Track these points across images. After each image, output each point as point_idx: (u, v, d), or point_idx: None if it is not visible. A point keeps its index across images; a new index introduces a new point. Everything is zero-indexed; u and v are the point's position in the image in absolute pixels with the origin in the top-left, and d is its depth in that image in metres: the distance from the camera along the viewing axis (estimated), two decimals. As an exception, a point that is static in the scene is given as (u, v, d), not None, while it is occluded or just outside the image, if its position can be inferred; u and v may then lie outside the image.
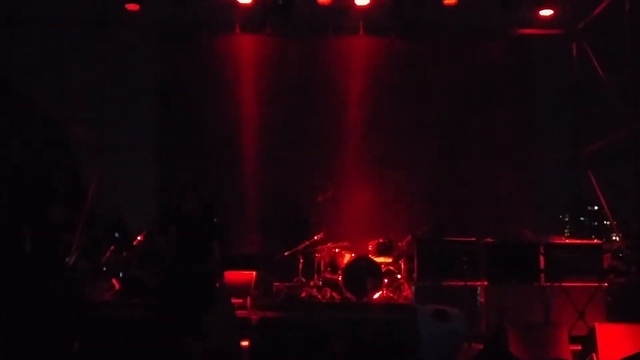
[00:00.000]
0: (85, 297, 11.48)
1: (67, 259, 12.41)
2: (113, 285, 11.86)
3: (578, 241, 11.75)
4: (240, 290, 11.44)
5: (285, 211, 14.23)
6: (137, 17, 14.46)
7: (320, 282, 12.52)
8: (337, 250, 12.85)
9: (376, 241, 13.13)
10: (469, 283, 10.19)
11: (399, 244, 13.01)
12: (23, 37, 14.48)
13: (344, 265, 12.40)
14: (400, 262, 12.75)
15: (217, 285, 9.82)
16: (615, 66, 14.55)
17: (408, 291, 12.00)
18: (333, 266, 12.77)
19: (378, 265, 12.30)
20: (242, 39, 15.14)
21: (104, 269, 12.60)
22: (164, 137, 15.11)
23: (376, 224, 14.15)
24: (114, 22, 14.89)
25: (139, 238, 12.43)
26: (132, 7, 13.93)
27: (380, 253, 12.94)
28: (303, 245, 12.80)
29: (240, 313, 10.55)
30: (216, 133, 14.93)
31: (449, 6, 13.80)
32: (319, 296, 12.28)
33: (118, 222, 14.98)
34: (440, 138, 14.89)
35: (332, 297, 12.32)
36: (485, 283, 10.37)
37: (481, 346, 9.28)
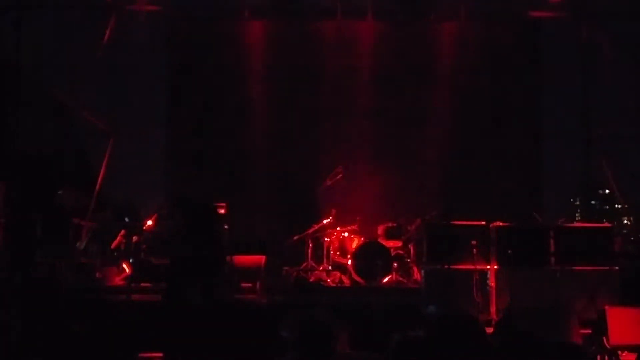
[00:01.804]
0: (96, 281, 11.57)
1: (77, 244, 12.47)
2: (124, 270, 11.92)
3: (589, 225, 11.68)
4: (250, 274, 11.46)
5: (294, 195, 14.23)
6: (147, 0, 14.47)
7: (330, 267, 12.53)
8: (346, 234, 12.84)
9: (385, 225, 13.12)
10: (478, 267, 10.15)
11: (408, 227, 12.99)
12: (32, 21, 14.47)
13: (353, 250, 12.40)
14: (409, 246, 12.74)
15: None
16: (626, 48, 14.43)
17: (417, 275, 12.00)
18: (342, 250, 12.78)
19: (387, 249, 12.29)
20: (251, 24, 15.09)
21: (115, 253, 12.65)
22: (173, 121, 15.16)
23: (385, 207, 14.13)
24: (124, 6, 14.86)
25: (149, 222, 12.47)
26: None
27: (389, 237, 12.92)
28: (312, 229, 12.80)
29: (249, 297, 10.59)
30: (225, 118, 14.94)
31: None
32: (329, 280, 12.30)
33: (128, 206, 15.03)
34: (449, 122, 14.80)
35: (341, 281, 12.33)
36: (495, 267, 10.34)
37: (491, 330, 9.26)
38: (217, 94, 14.94)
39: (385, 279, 12.03)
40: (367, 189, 14.21)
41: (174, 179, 14.83)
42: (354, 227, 12.94)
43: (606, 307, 8.73)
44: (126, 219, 13.15)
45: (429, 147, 14.68)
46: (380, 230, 13.15)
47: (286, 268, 12.68)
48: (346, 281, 12.31)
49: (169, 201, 13.76)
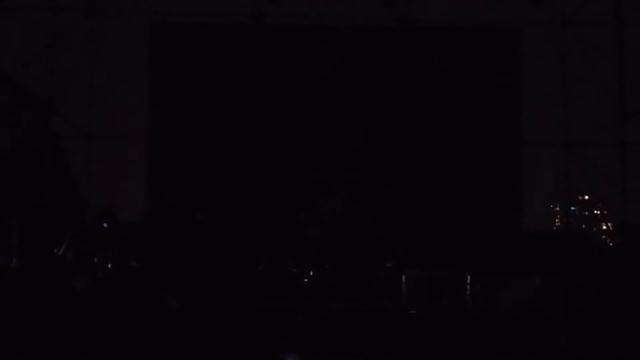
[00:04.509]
0: (73, 286, 11.45)
1: (56, 250, 12.34)
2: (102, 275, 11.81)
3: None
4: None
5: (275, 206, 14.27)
6: (129, 5, 14.45)
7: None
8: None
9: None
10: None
11: None
12: (13, 25, 14.38)
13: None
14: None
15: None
16: (605, 55, 14.60)
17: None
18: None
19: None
20: (234, 31, 15.09)
21: (95, 259, 12.54)
22: (154, 126, 15.06)
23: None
24: (105, 11, 14.83)
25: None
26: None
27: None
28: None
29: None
30: (208, 123, 14.87)
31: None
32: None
33: (108, 212, 14.90)
34: (430, 130, 14.90)
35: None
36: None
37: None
38: (200, 100, 14.89)
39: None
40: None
41: (155, 184, 14.74)
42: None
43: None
44: (104, 225, 13.04)
45: (408, 156, 14.75)
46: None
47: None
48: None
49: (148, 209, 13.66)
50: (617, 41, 14.40)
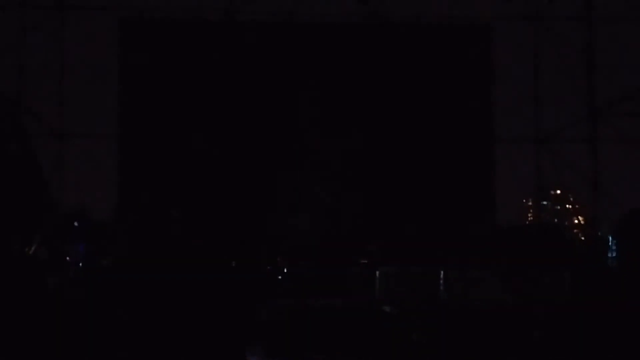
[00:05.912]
0: (45, 285, 11.32)
1: (26, 249, 12.19)
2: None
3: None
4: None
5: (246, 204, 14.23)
6: (99, 1, 14.30)
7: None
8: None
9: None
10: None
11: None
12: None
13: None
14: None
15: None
16: (576, 51, 14.76)
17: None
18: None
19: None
20: (207, 27, 14.99)
21: (67, 258, 12.43)
22: (125, 124, 14.93)
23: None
24: (75, 6, 14.67)
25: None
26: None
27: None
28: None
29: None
30: (179, 120, 14.77)
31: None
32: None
33: (80, 211, 14.76)
34: (403, 126, 14.94)
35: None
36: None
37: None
38: (171, 97, 14.78)
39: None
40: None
41: (126, 182, 14.61)
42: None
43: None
44: (75, 223, 12.90)
45: (380, 153, 14.78)
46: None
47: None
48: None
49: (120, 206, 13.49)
50: (587, 37, 14.56)
